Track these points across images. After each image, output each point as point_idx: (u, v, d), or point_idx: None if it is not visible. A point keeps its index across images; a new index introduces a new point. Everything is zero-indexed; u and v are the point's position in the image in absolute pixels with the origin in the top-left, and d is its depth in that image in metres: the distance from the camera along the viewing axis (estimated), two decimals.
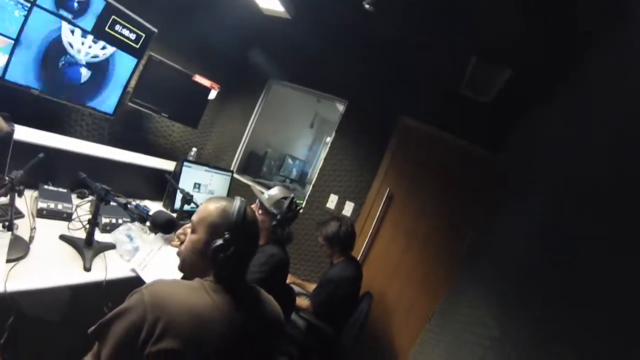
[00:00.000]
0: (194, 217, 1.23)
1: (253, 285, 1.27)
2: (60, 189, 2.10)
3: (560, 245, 1.43)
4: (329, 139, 3.69)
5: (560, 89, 2.16)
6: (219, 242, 1.13)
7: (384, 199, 3.36)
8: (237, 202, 1.21)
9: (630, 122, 1.21)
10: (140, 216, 1.66)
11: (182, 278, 1.30)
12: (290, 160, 5.81)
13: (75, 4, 2.27)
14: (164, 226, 1.63)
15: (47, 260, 1.53)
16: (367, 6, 2.22)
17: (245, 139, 4.19)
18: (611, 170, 1.23)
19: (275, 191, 2.17)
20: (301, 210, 2.58)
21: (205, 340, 1.01)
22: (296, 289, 2.79)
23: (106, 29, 2.50)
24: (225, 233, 1.14)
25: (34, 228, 1.66)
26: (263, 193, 2.19)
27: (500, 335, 1.50)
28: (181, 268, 1.26)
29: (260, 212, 2.09)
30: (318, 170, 3.70)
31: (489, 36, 2.13)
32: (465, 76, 2.61)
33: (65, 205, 1.96)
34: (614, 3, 1.46)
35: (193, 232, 1.22)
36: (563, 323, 1.09)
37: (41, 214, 1.85)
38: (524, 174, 2.35)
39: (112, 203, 1.70)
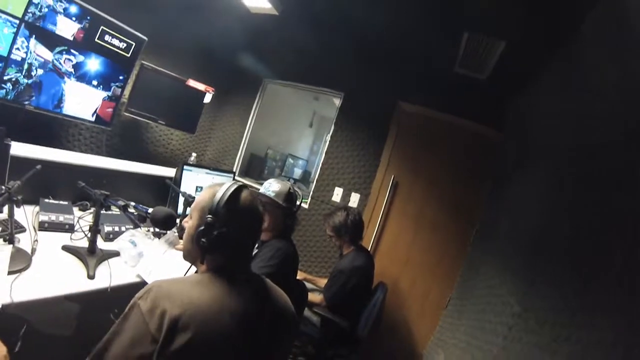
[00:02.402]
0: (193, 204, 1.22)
1: (257, 274, 1.23)
2: (62, 202, 2.09)
3: (567, 216, 1.40)
4: (329, 137, 3.67)
5: (555, 58, 2.12)
6: (202, 226, 1.10)
7: (389, 187, 3.33)
8: (228, 184, 1.15)
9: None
10: (140, 215, 1.65)
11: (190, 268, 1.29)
12: (292, 160, 5.79)
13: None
14: (163, 221, 1.61)
15: (49, 271, 1.51)
16: None
17: (244, 142, 4.18)
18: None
19: (278, 186, 2.13)
20: (307, 204, 2.55)
21: (213, 336, 0.97)
22: (307, 285, 2.76)
23: (96, 39, 2.50)
24: (208, 216, 1.09)
25: (36, 240, 1.65)
26: (267, 192, 2.15)
27: (521, 311, 1.48)
28: (183, 256, 1.24)
29: (269, 208, 2.04)
30: (320, 165, 3.68)
31: (480, 9, 2.09)
32: (459, 54, 2.57)
33: (67, 217, 1.94)
34: None
35: (190, 218, 1.20)
36: (584, 291, 1.06)
37: (43, 226, 1.83)
38: (526, 147, 2.32)
39: (112, 208, 1.68)
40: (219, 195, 1.12)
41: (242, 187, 1.18)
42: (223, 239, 1.09)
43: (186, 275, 1.27)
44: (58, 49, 2.35)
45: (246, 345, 1.05)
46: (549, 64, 2.22)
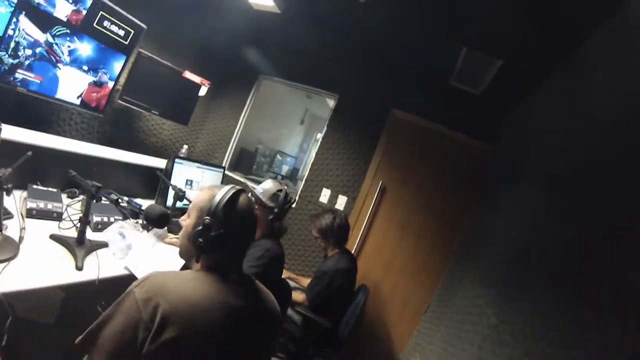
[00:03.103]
0: (191, 203, 1.25)
1: (247, 275, 1.27)
2: (50, 189, 2.06)
3: (550, 233, 1.45)
4: (319, 136, 3.69)
5: (551, 78, 2.18)
6: (200, 227, 1.13)
7: (376, 192, 3.37)
8: (227, 188, 1.20)
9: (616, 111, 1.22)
10: (133, 211, 1.64)
11: (183, 265, 1.32)
12: (280, 157, 5.80)
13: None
14: (157, 220, 1.61)
15: (37, 261, 1.50)
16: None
17: (236, 136, 4.17)
18: (602, 154, 1.25)
19: (269, 184, 2.17)
20: (294, 204, 2.57)
21: (202, 330, 1.01)
22: (291, 283, 2.79)
23: (94, 25, 2.46)
24: (206, 218, 1.13)
25: (24, 228, 1.63)
26: (255, 188, 2.19)
27: (497, 323, 1.52)
28: (179, 253, 1.28)
29: (256, 207, 2.07)
30: (310, 165, 3.70)
31: (480, 26, 2.13)
32: (456, 68, 2.61)
33: (55, 204, 1.92)
34: None
35: (188, 217, 1.23)
36: (559, 310, 1.10)
37: (31, 214, 1.81)
38: (516, 162, 2.37)
39: (103, 200, 1.66)
40: (217, 197, 1.16)
41: (241, 191, 1.22)
42: (219, 241, 1.14)
43: (181, 270, 1.29)
44: (56, 32, 2.30)
45: (233, 342, 1.10)
46: (543, 83, 2.28)
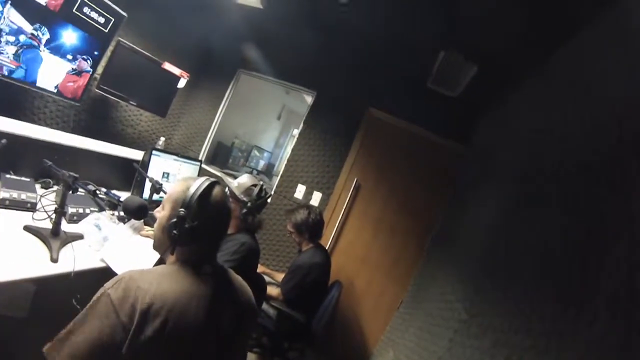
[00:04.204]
0: (166, 194, 1.25)
1: (221, 266, 1.29)
2: (24, 178, 2.03)
3: (519, 230, 1.54)
4: (296, 132, 3.71)
5: (524, 83, 2.28)
6: (174, 218, 1.14)
7: (351, 189, 3.43)
8: (201, 180, 1.20)
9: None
10: (111, 203, 1.64)
11: (158, 259, 1.32)
12: (257, 152, 5.80)
13: None
14: (136, 211, 1.61)
15: (10, 253, 1.47)
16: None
17: (213, 129, 4.16)
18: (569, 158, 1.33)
19: (245, 179, 2.18)
20: (269, 199, 2.59)
21: (181, 323, 1.02)
22: (266, 278, 2.82)
23: (74, 10, 2.41)
24: (180, 210, 1.14)
25: None
26: (231, 182, 2.20)
27: (467, 317, 1.60)
28: (153, 246, 1.27)
29: (230, 200, 2.09)
30: (286, 161, 3.73)
31: (459, 32, 2.21)
32: (433, 70, 2.68)
33: (29, 194, 1.89)
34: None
35: (163, 208, 1.23)
36: (522, 299, 1.18)
37: (3, 204, 1.78)
38: (487, 165, 2.47)
39: (80, 191, 1.65)
40: (192, 189, 1.17)
41: (215, 183, 1.23)
42: (193, 232, 1.14)
43: (155, 266, 1.30)
44: (36, 19, 2.25)
45: (212, 333, 1.12)
46: (516, 89, 2.38)
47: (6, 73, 2.26)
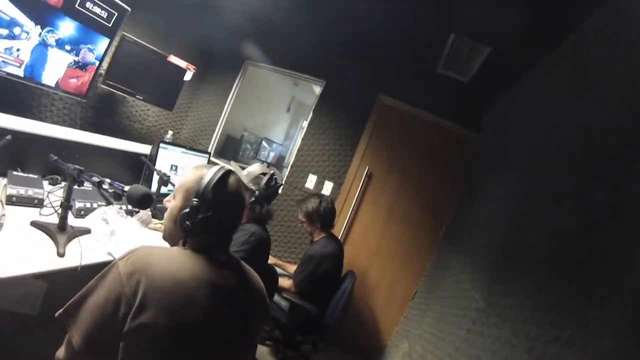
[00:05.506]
0: (177, 183, 1.20)
1: (234, 256, 1.24)
2: (31, 175, 2.02)
3: (534, 219, 1.47)
4: (305, 123, 3.66)
5: (537, 65, 2.19)
6: (187, 209, 1.10)
7: (363, 178, 3.38)
8: (216, 168, 1.15)
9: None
10: (116, 193, 1.62)
11: None
12: (266, 144, 5.78)
13: None
14: (140, 201, 1.58)
15: (17, 248, 1.46)
16: None
17: (221, 122, 4.13)
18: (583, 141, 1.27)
19: (255, 167, 2.13)
20: (280, 189, 2.55)
21: (184, 311, 0.98)
22: (277, 270, 2.80)
23: (76, 5, 2.39)
24: (194, 200, 1.10)
25: (3, 215, 1.59)
26: (241, 171, 2.16)
27: (485, 306, 1.55)
28: (163, 236, 1.24)
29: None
30: (296, 151, 3.69)
31: (469, 13, 2.12)
32: (443, 55, 2.60)
33: (36, 191, 1.88)
34: None
35: (174, 198, 1.20)
36: (545, 290, 1.13)
37: (10, 200, 1.77)
38: (501, 150, 2.39)
39: (85, 184, 1.63)
40: (206, 179, 1.12)
41: (229, 172, 1.17)
42: (207, 223, 1.10)
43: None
44: (37, 15, 2.23)
45: (221, 323, 1.07)
46: (530, 72, 2.28)
47: (11, 71, 2.25)
